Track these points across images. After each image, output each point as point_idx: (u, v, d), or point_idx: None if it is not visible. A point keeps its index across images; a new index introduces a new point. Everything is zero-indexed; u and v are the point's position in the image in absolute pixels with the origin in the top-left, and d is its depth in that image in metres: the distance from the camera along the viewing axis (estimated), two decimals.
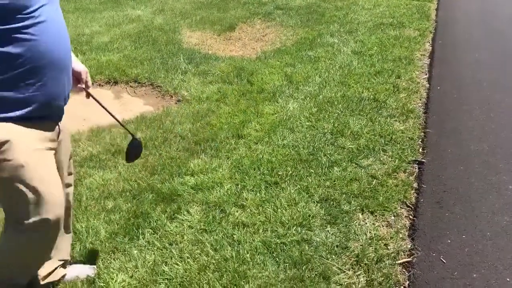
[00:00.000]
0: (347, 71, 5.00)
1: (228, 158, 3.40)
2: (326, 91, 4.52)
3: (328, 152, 3.49)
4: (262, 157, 3.39)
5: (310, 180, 3.16)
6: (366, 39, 6.01)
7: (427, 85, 4.79)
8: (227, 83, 4.74)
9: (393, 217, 2.86)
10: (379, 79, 4.78)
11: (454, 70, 5.24)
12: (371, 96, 4.41)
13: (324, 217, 2.82)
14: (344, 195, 3.02)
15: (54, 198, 1.83)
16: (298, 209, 2.87)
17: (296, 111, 4.12)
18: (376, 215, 2.87)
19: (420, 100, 4.45)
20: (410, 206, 2.99)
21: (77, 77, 2.10)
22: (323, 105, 4.23)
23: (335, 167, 3.30)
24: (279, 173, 3.22)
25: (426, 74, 5.05)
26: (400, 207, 2.96)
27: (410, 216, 2.90)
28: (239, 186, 3.08)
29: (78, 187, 3.07)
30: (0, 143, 1.68)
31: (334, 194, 3.01)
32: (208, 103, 4.29)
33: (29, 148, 1.77)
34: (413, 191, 3.12)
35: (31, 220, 1.81)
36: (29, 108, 1.75)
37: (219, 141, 3.62)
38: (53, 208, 1.83)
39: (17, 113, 1.73)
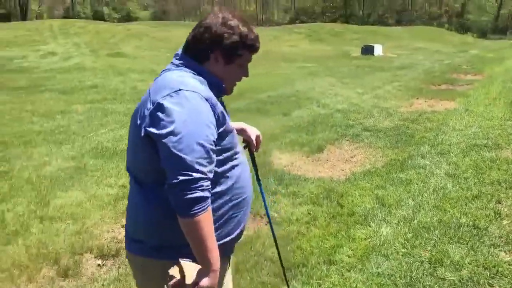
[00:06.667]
0: (442, 194, 4.83)
1: (319, 286, 3.29)
2: (421, 215, 4.36)
3: (427, 283, 3.27)
4: (356, 286, 3.25)
5: None
6: (459, 161, 5.85)
7: None
8: (316, 204, 4.75)
9: None
10: (477, 204, 4.55)
11: None
12: (470, 222, 4.17)
13: None
14: None
15: None
16: None
17: (390, 236, 3.98)
18: None
19: None
20: None
21: (248, 140, 2.30)
22: (419, 230, 4.06)
23: None
24: None
25: None
26: None
27: None
28: None
29: None
30: None
31: None
32: (298, 225, 4.29)
33: None
34: None
35: None
36: (226, 239, 1.86)
37: (310, 266, 3.54)
38: None
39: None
